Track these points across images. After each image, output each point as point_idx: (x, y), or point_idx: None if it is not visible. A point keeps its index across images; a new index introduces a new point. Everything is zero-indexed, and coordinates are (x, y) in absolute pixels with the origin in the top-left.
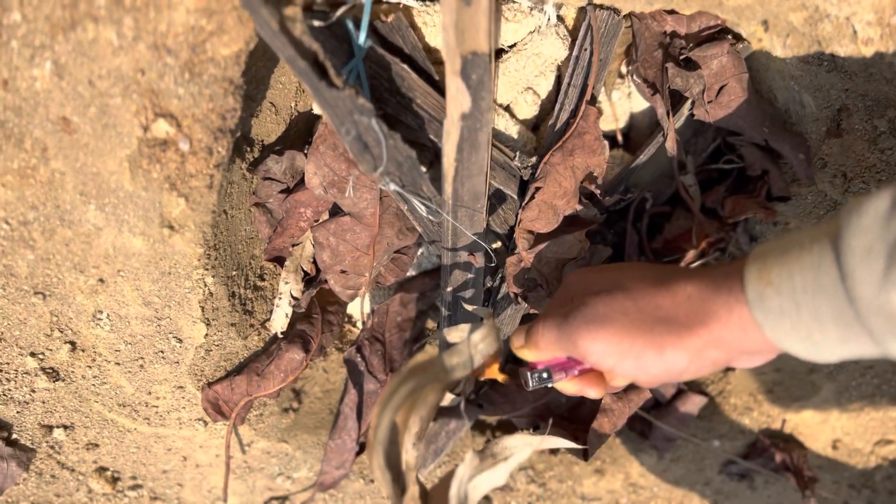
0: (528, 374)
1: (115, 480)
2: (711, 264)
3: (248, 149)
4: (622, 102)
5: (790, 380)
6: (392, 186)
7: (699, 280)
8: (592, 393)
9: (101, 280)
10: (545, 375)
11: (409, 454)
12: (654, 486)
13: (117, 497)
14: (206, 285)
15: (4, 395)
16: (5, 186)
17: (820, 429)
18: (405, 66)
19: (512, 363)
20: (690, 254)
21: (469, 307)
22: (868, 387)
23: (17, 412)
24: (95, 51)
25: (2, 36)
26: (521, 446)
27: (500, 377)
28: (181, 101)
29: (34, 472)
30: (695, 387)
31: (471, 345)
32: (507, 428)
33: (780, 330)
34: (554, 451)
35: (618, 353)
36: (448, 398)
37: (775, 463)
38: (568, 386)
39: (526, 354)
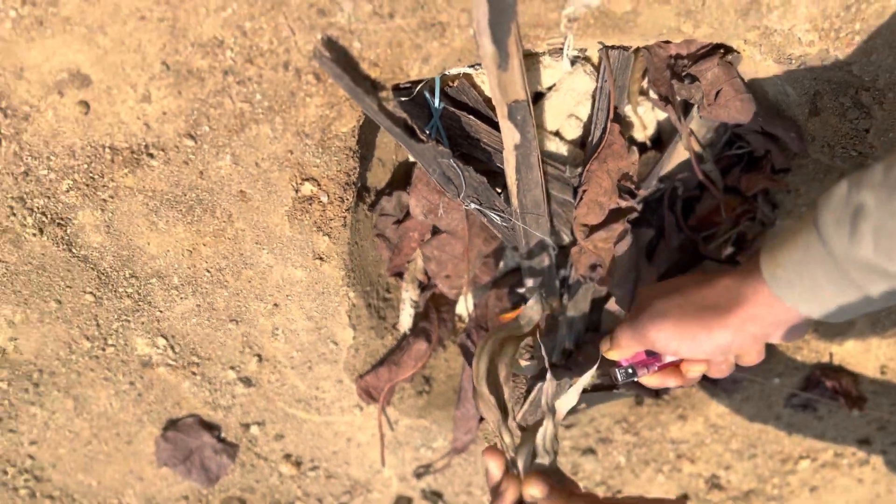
0: (616, 370)
1: (298, 464)
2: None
3: (367, 194)
4: (647, 114)
5: None
6: (472, 205)
7: (732, 274)
8: (672, 383)
9: (276, 304)
10: (630, 371)
11: (503, 389)
12: (732, 424)
13: (301, 478)
14: (350, 299)
15: (214, 402)
16: (206, 245)
17: (865, 357)
18: (471, 117)
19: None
20: (724, 224)
21: (531, 284)
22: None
23: (223, 415)
24: (258, 142)
25: (196, 141)
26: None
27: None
28: (318, 167)
29: (239, 464)
30: None
31: (530, 308)
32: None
33: (793, 298)
34: (640, 403)
35: (678, 338)
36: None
37: (829, 391)
38: (651, 380)
39: (612, 354)
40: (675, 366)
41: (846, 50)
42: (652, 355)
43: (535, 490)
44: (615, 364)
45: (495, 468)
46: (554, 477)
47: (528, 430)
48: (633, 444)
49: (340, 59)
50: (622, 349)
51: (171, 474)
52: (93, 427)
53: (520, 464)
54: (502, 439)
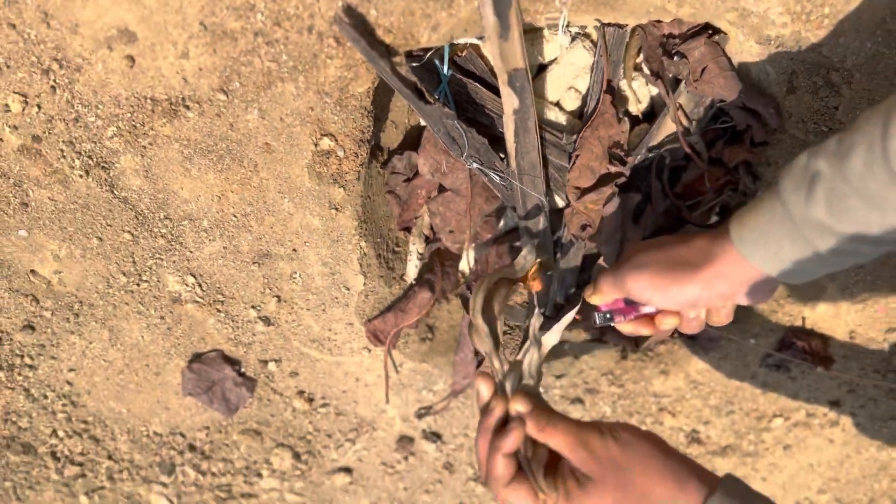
0: (596, 314)
1: (310, 401)
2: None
3: (380, 153)
4: (641, 89)
5: (802, 284)
6: (474, 165)
7: (706, 235)
8: (645, 331)
9: (295, 250)
10: (608, 316)
11: (496, 323)
12: (711, 381)
13: (312, 414)
14: (361, 248)
15: (236, 339)
16: (233, 192)
17: (835, 322)
18: (477, 84)
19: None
20: (708, 194)
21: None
22: (864, 283)
23: (244, 352)
24: (283, 99)
25: (227, 96)
26: (567, 315)
27: (537, 285)
28: (336, 124)
29: (256, 398)
30: None
31: (523, 257)
32: (588, 346)
33: (757, 257)
34: (625, 357)
35: (652, 288)
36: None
37: (800, 351)
38: (626, 327)
39: (594, 299)
40: (651, 317)
41: (817, 32)
42: (630, 305)
43: (520, 406)
44: (596, 308)
45: (485, 390)
46: (536, 399)
47: (517, 361)
48: (619, 395)
49: (358, 24)
50: (603, 295)
51: (194, 405)
52: (125, 357)
53: (508, 385)
54: (493, 366)
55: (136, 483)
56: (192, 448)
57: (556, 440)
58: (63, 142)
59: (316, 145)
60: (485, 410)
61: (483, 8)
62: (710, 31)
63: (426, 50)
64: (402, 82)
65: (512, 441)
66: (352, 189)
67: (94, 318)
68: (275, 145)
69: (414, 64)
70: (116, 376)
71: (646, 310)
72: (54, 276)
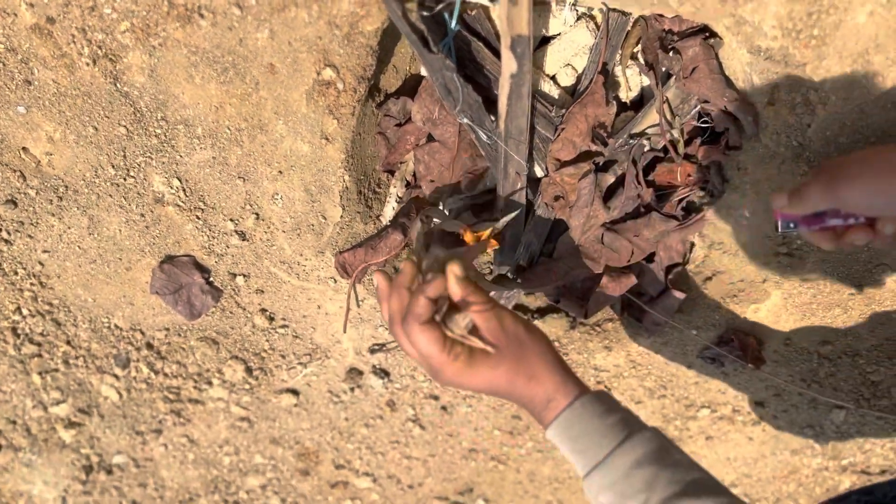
0: (779, 220)
1: (271, 320)
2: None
3: (377, 94)
4: (634, 78)
5: (749, 287)
6: (465, 120)
7: None
8: (826, 244)
9: (280, 172)
10: (792, 225)
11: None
12: (650, 364)
13: (270, 332)
14: (344, 181)
15: (210, 248)
16: (231, 105)
17: (775, 327)
18: (481, 44)
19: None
20: (678, 187)
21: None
22: (806, 295)
23: (216, 262)
24: (294, 24)
25: (242, 11)
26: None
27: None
28: (341, 57)
29: (219, 308)
30: (677, 286)
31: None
32: (545, 312)
33: None
34: (574, 327)
35: (877, 193)
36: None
37: (736, 347)
38: (812, 236)
39: (793, 206)
40: (833, 230)
41: (803, 51)
42: (817, 216)
43: (456, 269)
44: (781, 214)
45: (383, 280)
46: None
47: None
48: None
49: None
50: (807, 204)
51: (158, 305)
52: (100, 248)
53: (440, 252)
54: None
55: (89, 371)
56: (149, 346)
57: (476, 307)
58: (76, 28)
59: (318, 74)
60: (391, 296)
61: None
62: (706, 34)
63: (438, 2)
64: (411, 28)
65: (436, 286)
66: (345, 123)
67: (77, 205)
68: (279, 67)
69: (425, 13)
70: (88, 265)
71: (832, 221)
72: (45, 156)
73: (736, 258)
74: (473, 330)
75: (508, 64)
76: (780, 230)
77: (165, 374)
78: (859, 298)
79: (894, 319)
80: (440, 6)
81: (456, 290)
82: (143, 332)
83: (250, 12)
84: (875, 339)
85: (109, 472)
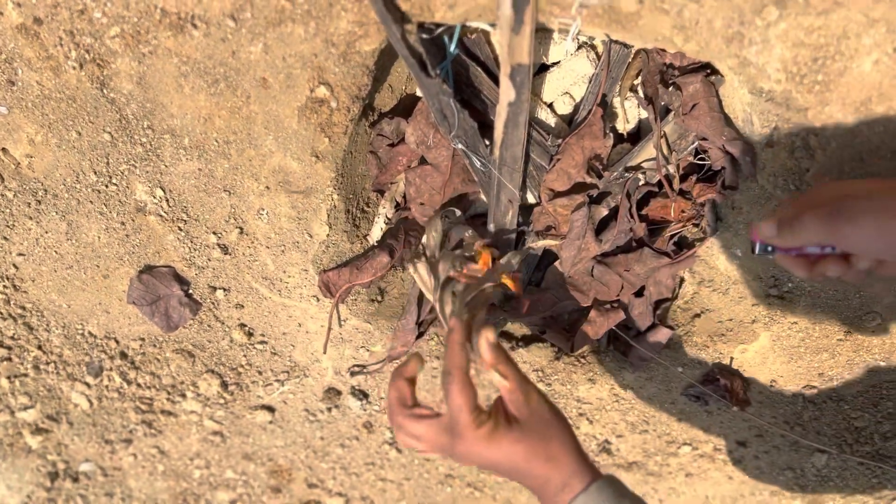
0: (756, 244)
1: (249, 335)
2: (687, 234)
3: (371, 113)
4: (632, 110)
5: (738, 327)
6: (460, 146)
7: None
8: (799, 272)
9: (268, 187)
10: (769, 249)
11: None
12: (633, 399)
13: (248, 348)
14: (333, 199)
15: (191, 260)
16: (221, 117)
17: (760, 369)
18: (479, 69)
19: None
20: (671, 223)
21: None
22: (794, 339)
23: (196, 274)
24: (290, 40)
25: (236, 23)
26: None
27: (511, 285)
28: (336, 76)
29: (197, 321)
30: (665, 322)
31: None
32: (529, 341)
33: None
34: (559, 358)
35: (878, 237)
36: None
37: (721, 387)
38: (786, 262)
39: (785, 237)
40: (808, 258)
41: (807, 96)
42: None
43: (489, 335)
44: (756, 237)
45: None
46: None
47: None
48: (545, 392)
49: None
50: (800, 237)
51: (134, 315)
52: (77, 254)
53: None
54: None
55: (60, 378)
56: (123, 355)
57: (508, 379)
58: (64, 30)
59: (311, 91)
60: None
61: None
62: (708, 71)
63: (438, 25)
64: (409, 51)
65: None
66: (337, 141)
67: (56, 209)
68: (271, 82)
69: (424, 36)
70: (64, 270)
71: (810, 249)
72: (25, 159)
73: (725, 297)
74: (498, 401)
75: (507, 92)
76: (756, 253)
77: (139, 385)
78: (847, 344)
79: (882, 367)
80: (440, 29)
81: (488, 357)
82: (117, 341)
83: (245, 25)
84: (861, 386)
85: (76, 479)
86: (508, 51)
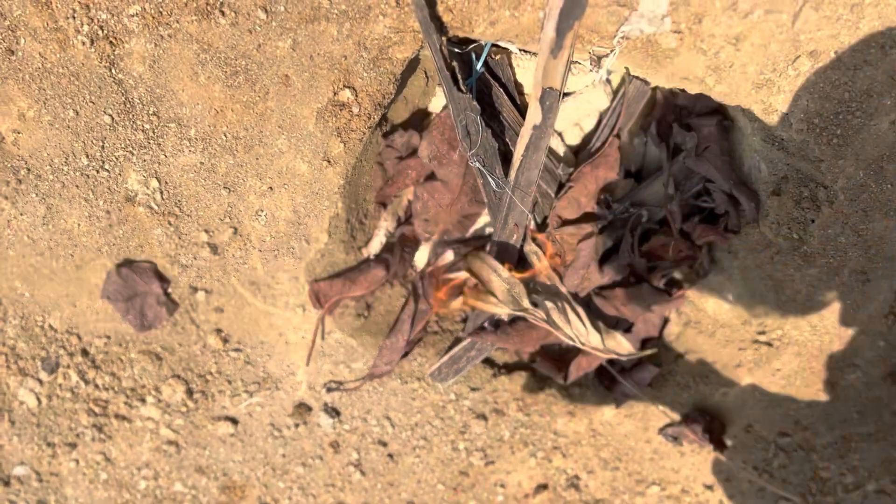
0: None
1: (225, 341)
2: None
3: (385, 123)
4: (639, 147)
5: (722, 370)
6: (477, 164)
7: None
8: None
9: (271, 188)
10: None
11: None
12: (609, 435)
13: (221, 354)
14: (337, 207)
15: (175, 257)
16: (233, 111)
17: (738, 413)
18: (501, 90)
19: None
20: (667, 262)
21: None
22: (776, 386)
23: (179, 272)
24: (322, 39)
25: (268, 15)
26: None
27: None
28: (363, 80)
29: (171, 322)
30: (651, 360)
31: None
32: (512, 369)
33: None
34: (541, 388)
35: None
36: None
37: (700, 428)
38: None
39: None
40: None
41: (823, 148)
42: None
43: None
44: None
45: None
46: None
47: None
48: (522, 423)
49: None
50: None
51: (104, 311)
52: (52, 240)
53: None
54: None
55: (10, 372)
56: (84, 353)
57: None
58: (80, 2)
59: (335, 94)
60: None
61: (547, 21)
62: (722, 115)
63: (465, 42)
64: (445, 63)
65: None
66: (352, 147)
67: (37, 191)
68: (294, 80)
69: (457, 50)
70: (34, 256)
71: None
72: (11, 134)
73: (712, 339)
74: None
75: (534, 115)
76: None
77: (96, 385)
78: (826, 394)
79: (853, 419)
80: (472, 46)
81: None
82: (80, 337)
83: (276, 18)
84: (832, 437)
85: (7, 483)
86: (543, 74)
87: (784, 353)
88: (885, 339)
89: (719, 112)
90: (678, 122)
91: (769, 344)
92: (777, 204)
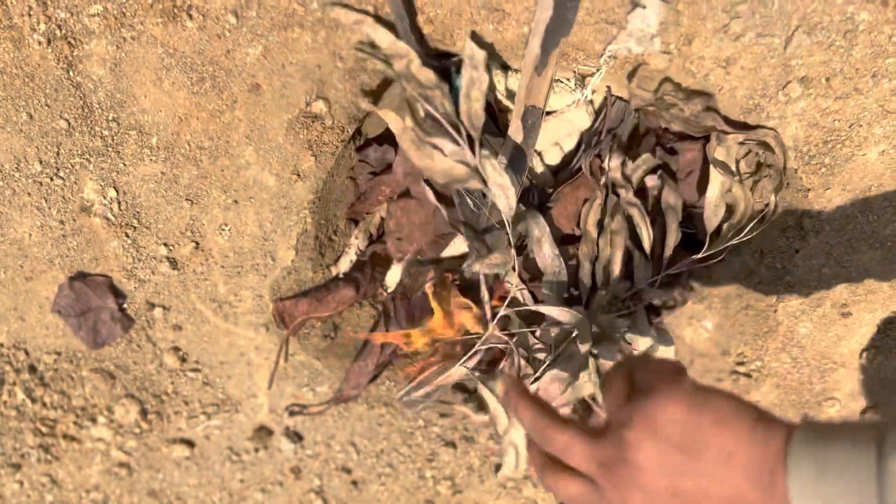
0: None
1: (182, 360)
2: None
3: (359, 136)
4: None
5: None
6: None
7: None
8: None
9: (236, 201)
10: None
11: None
12: None
13: (178, 374)
14: (306, 223)
15: (132, 271)
16: (199, 119)
17: None
18: None
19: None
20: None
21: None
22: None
23: (135, 287)
24: (295, 46)
25: (238, 20)
26: None
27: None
28: (337, 91)
29: (126, 339)
30: None
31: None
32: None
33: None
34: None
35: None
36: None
37: None
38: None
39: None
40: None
41: (811, 176)
42: None
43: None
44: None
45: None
46: None
47: None
48: (493, 452)
49: (406, 1)
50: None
51: (55, 325)
52: (0, 251)
53: None
54: None
55: None
56: (32, 369)
57: None
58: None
59: (307, 105)
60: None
61: (532, 38)
62: (706, 140)
63: (446, 55)
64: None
65: None
66: (323, 161)
67: None
68: (265, 88)
69: (434, 64)
70: None
71: None
72: None
73: (689, 369)
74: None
75: (516, 133)
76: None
77: (44, 404)
78: None
79: None
80: (453, 59)
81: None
82: (27, 353)
83: (247, 23)
84: None
85: None
86: (526, 91)
87: (763, 384)
88: (866, 372)
89: (705, 137)
90: (661, 146)
91: (748, 375)
92: (761, 232)
